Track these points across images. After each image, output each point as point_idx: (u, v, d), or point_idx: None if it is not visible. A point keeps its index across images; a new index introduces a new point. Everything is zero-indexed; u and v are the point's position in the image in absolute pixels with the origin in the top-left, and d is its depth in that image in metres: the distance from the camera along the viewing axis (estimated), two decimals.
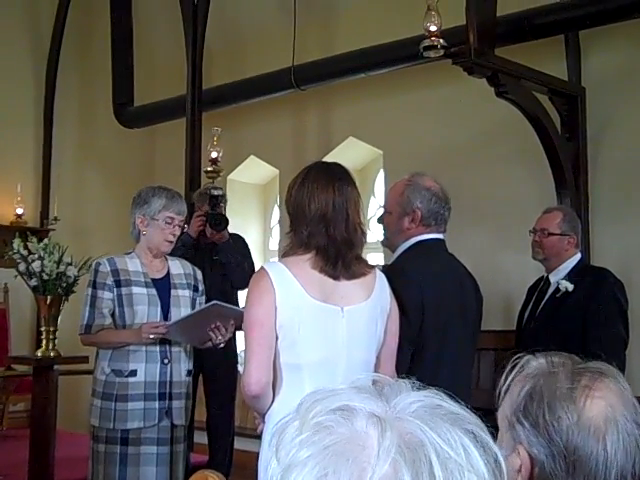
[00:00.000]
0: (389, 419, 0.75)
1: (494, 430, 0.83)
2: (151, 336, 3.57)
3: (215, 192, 5.11)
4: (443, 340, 2.87)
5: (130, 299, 3.66)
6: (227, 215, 5.19)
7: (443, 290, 2.92)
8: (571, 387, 1.18)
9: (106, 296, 3.67)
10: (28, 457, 4.69)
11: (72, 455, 5.45)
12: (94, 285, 3.69)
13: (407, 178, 3.01)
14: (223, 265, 5.08)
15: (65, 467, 5.00)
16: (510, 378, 1.25)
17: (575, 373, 1.20)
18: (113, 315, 3.69)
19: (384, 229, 3.09)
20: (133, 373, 3.61)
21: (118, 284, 3.67)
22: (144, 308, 3.66)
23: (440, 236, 3.00)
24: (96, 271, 3.70)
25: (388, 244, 3.09)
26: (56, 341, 4.67)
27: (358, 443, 0.73)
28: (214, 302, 3.60)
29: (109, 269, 3.68)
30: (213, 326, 3.62)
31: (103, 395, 3.62)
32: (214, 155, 5.87)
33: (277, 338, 2.46)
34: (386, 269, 2.90)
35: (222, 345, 3.76)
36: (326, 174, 2.57)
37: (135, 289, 3.67)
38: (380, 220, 3.11)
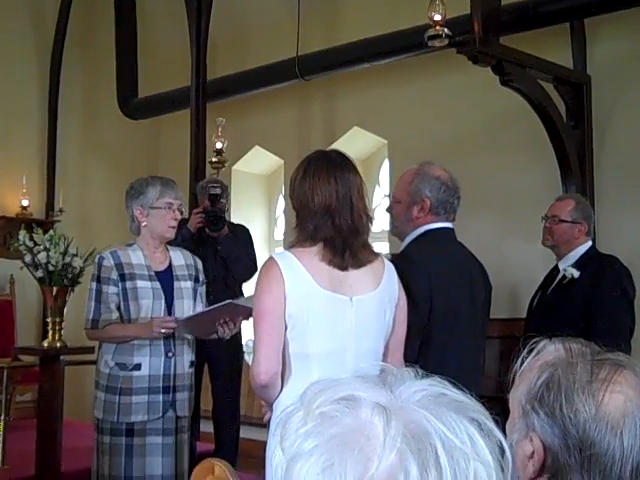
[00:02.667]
0: (394, 408, 0.75)
1: (498, 417, 0.83)
2: (162, 331, 3.56)
3: (213, 191, 5.08)
4: (451, 329, 2.87)
5: (135, 293, 3.64)
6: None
7: (452, 279, 2.92)
8: (589, 380, 1.16)
9: (111, 290, 3.64)
10: (35, 447, 4.71)
11: (79, 445, 5.46)
12: (98, 279, 3.66)
13: (416, 167, 3.00)
14: (224, 259, 5.09)
15: (72, 457, 5.01)
16: (526, 362, 1.24)
17: (594, 365, 1.18)
18: (118, 309, 3.67)
19: (393, 218, 3.08)
20: (137, 367, 3.60)
21: (122, 278, 3.64)
22: (149, 302, 3.64)
23: (449, 225, 2.98)
24: (100, 265, 3.67)
25: (397, 233, 3.07)
26: (62, 332, 4.68)
27: (363, 433, 0.73)
28: (229, 301, 3.58)
29: (113, 263, 3.65)
30: (222, 321, 3.60)
31: (107, 388, 3.62)
32: (219, 146, 5.89)
33: (286, 328, 2.46)
34: (395, 258, 2.90)
35: (228, 337, 3.76)
36: (326, 164, 2.55)
37: (140, 283, 3.65)
38: (389, 209, 3.10)
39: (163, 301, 3.67)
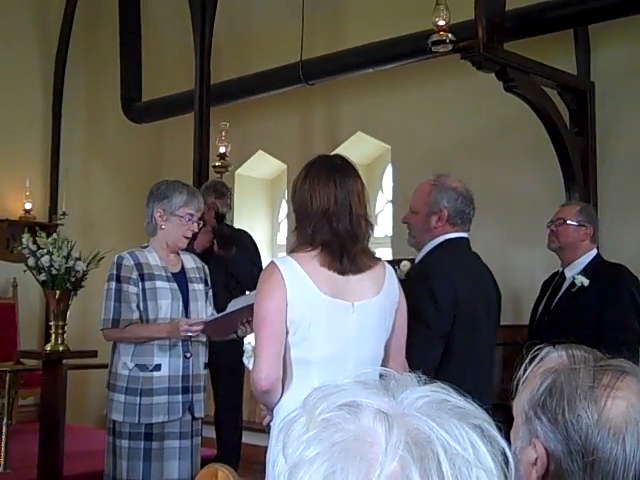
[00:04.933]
0: (396, 415, 0.75)
1: (502, 425, 0.83)
2: (189, 333, 3.54)
3: (222, 210, 5.13)
4: (472, 337, 2.93)
5: (154, 293, 3.63)
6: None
7: (472, 288, 2.99)
8: (592, 385, 1.16)
9: (131, 290, 3.62)
10: (37, 451, 4.71)
11: (81, 449, 5.47)
12: (118, 279, 3.63)
13: (433, 178, 3.09)
14: (234, 276, 5.11)
15: (74, 460, 5.02)
16: (529, 370, 1.24)
17: (597, 371, 1.18)
18: (137, 309, 3.65)
19: (410, 229, 3.14)
20: (157, 367, 3.59)
21: (142, 278, 3.63)
22: (168, 302, 3.64)
23: (465, 235, 3.08)
24: (119, 265, 3.64)
25: (414, 243, 3.14)
26: (65, 335, 4.68)
27: (366, 440, 0.73)
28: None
29: (133, 263, 3.64)
30: (245, 320, 3.56)
31: (127, 390, 3.59)
32: (222, 150, 5.89)
33: (287, 333, 2.46)
34: (419, 265, 3.00)
35: (247, 336, 3.73)
36: (327, 169, 2.55)
37: (158, 283, 3.65)
38: (404, 221, 3.16)
39: (181, 302, 3.68)
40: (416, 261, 3.10)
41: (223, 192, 5.36)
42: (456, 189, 3.04)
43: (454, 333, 2.87)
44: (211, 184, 5.49)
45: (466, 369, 2.84)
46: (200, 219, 3.85)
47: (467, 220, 3.06)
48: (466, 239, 3.09)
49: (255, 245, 5.52)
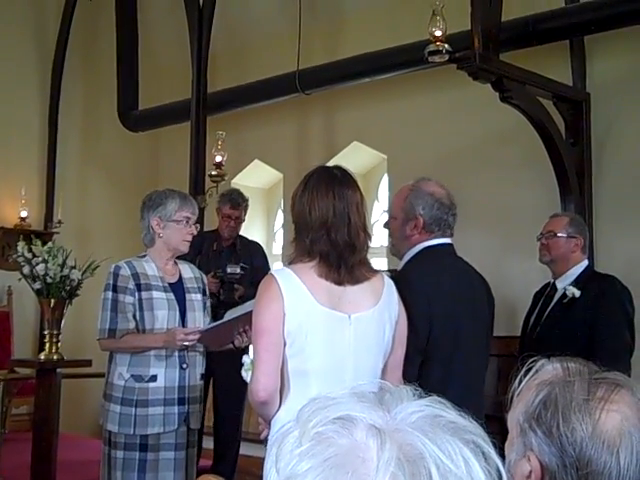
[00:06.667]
0: (389, 430, 0.75)
1: (495, 438, 0.82)
2: (186, 343, 3.54)
3: (230, 269, 5.15)
4: (454, 348, 2.84)
5: (150, 303, 3.62)
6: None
7: (452, 298, 2.88)
8: (586, 398, 1.16)
9: (128, 300, 3.61)
10: (30, 460, 4.69)
11: (74, 458, 5.45)
12: (114, 289, 3.63)
13: (411, 184, 2.98)
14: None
15: (67, 470, 5.00)
16: (524, 382, 1.24)
17: (591, 384, 1.18)
18: (133, 319, 3.64)
19: (390, 235, 3.07)
20: (153, 378, 3.58)
21: (139, 288, 3.62)
22: (164, 313, 3.63)
23: (447, 240, 2.95)
24: (116, 275, 3.64)
25: (395, 251, 3.05)
26: (59, 344, 4.67)
27: (358, 455, 0.73)
28: (250, 309, 3.55)
29: (129, 273, 3.64)
30: (241, 330, 3.55)
31: (122, 400, 3.57)
32: (218, 159, 5.90)
33: (285, 344, 2.45)
34: (394, 277, 2.88)
35: (244, 346, 3.73)
36: (326, 180, 2.55)
37: (155, 293, 3.64)
38: (386, 225, 3.09)
39: (177, 312, 3.67)
40: (398, 271, 3.02)
41: (239, 202, 5.36)
42: (433, 194, 2.91)
43: (431, 345, 2.78)
44: (227, 193, 5.50)
45: (448, 380, 2.75)
46: (197, 222, 3.85)
47: (446, 226, 2.92)
48: (449, 245, 2.95)
49: (265, 256, 5.56)
